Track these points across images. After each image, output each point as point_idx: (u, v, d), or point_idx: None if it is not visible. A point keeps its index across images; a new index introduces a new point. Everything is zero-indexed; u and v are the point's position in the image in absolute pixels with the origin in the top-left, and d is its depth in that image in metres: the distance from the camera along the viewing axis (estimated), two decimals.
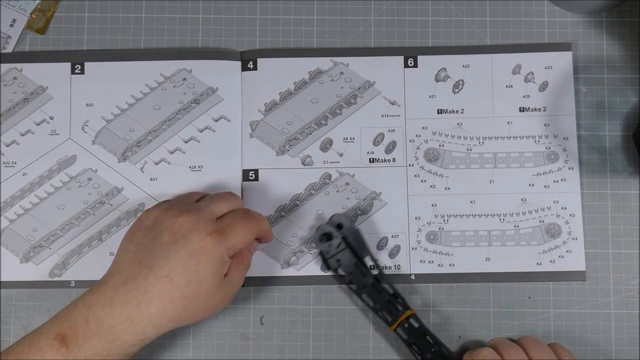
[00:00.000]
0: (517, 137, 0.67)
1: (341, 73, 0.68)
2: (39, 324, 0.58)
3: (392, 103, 0.68)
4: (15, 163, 0.67)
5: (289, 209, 0.66)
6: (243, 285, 0.65)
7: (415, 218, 0.66)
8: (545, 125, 0.67)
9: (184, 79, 0.68)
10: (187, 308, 0.53)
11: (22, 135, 0.67)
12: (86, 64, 0.68)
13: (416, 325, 0.62)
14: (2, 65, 0.68)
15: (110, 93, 0.68)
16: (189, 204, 0.58)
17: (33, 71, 0.68)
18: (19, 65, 0.68)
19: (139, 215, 0.58)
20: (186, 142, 0.67)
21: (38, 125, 0.67)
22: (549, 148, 0.67)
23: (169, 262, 0.52)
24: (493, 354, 0.59)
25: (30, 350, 0.51)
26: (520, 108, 0.67)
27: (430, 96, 0.68)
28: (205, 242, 0.53)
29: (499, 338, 0.63)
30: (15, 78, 0.68)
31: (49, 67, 0.68)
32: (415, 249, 0.66)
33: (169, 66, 0.68)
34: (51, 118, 0.67)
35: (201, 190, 0.65)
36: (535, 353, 0.59)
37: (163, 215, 0.55)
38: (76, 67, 0.68)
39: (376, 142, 0.67)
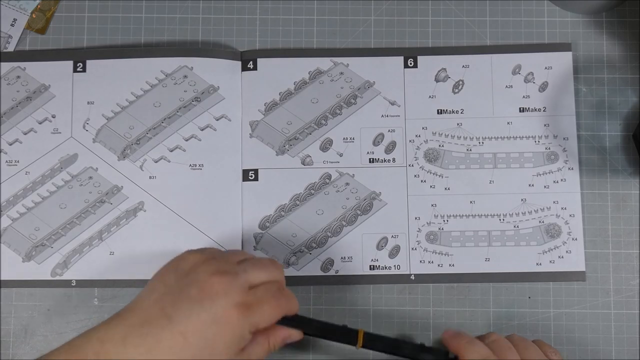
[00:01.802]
0: (517, 137, 0.67)
1: (341, 73, 0.68)
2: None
3: (392, 103, 0.68)
4: (18, 162, 0.67)
5: (288, 208, 0.66)
6: None
7: (415, 218, 0.66)
8: (545, 125, 0.67)
9: (185, 76, 0.68)
10: None
11: (25, 133, 0.67)
12: (88, 62, 0.68)
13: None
14: (6, 64, 0.68)
15: (111, 91, 0.68)
16: (230, 263, 0.54)
17: (36, 70, 0.68)
18: (22, 64, 0.68)
19: (181, 253, 0.55)
20: (187, 140, 0.67)
21: (40, 123, 0.68)
22: (549, 148, 0.67)
23: (189, 321, 0.50)
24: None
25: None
26: (520, 108, 0.67)
27: (430, 96, 0.68)
28: (230, 314, 0.50)
29: (494, 336, 0.60)
30: (18, 77, 0.68)
31: (51, 65, 0.68)
32: (415, 249, 0.66)
33: (170, 63, 0.68)
34: (53, 116, 0.68)
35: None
36: (527, 354, 0.58)
37: (201, 267, 0.52)
38: (78, 65, 0.68)
39: (376, 142, 0.67)
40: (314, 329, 0.57)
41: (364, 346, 0.57)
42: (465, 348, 0.56)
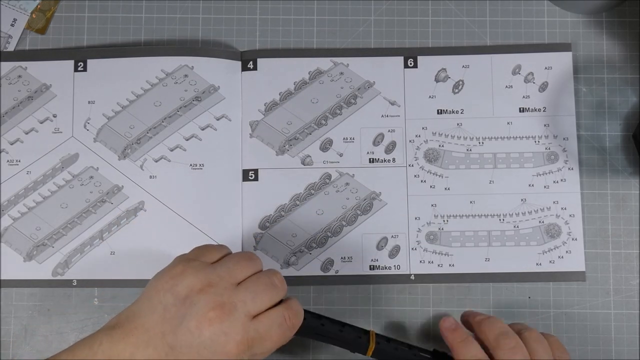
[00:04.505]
0: (517, 137, 0.67)
1: (341, 73, 0.68)
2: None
3: (392, 103, 0.68)
4: (19, 161, 0.67)
5: (288, 208, 0.66)
6: None
7: (415, 218, 0.66)
8: (545, 125, 0.67)
9: (186, 76, 0.68)
10: None
11: (26, 133, 0.68)
12: (89, 61, 0.68)
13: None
14: (8, 63, 0.68)
15: (112, 90, 0.68)
16: (228, 289, 0.52)
17: (37, 69, 0.68)
18: (23, 64, 0.69)
19: (173, 263, 0.54)
20: (187, 140, 0.67)
21: (42, 123, 0.68)
22: (549, 148, 0.67)
23: (189, 354, 0.50)
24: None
25: None
26: (520, 108, 0.67)
27: (430, 96, 0.68)
28: (229, 351, 0.50)
29: (501, 326, 0.58)
30: (20, 76, 0.68)
31: (52, 65, 0.68)
32: (415, 249, 0.66)
33: (171, 62, 0.68)
34: (54, 116, 0.68)
35: (203, 191, 0.64)
36: (536, 352, 0.56)
37: (198, 296, 0.51)
38: (79, 64, 0.68)
39: (376, 142, 0.67)
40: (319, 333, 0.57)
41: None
42: (459, 347, 0.56)
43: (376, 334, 0.57)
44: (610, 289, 0.65)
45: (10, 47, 0.69)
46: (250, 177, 0.67)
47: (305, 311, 0.56)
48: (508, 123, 0.67)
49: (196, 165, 0.67)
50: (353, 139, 0.67)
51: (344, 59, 0.68)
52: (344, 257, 0.66)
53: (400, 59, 0.68)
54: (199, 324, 0.50)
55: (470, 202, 0.66)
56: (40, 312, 0.66)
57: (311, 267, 0.66)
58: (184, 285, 0.51)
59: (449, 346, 0.57)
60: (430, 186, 0.67)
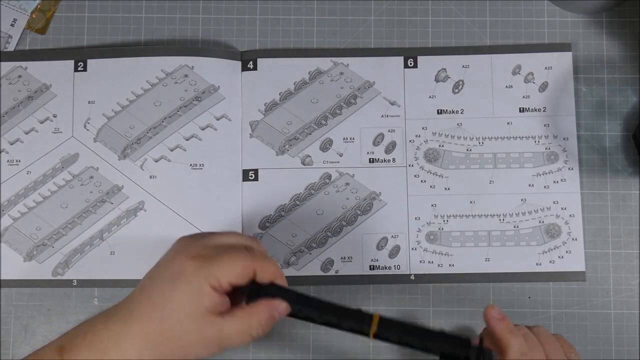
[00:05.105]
0: (517, 137, 0.67)
1: (341, 73, 0.68)
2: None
3: (392, 103, 0.68)
4: (19, 161, 0.67)
5: (288, 208, 0.66)
6: None
7: (415, 218, 0.66)
8: (545, 125, 0.67)
9: (186, 76, 0.68)
10: (163, 337, 0.49)
11: (26, 133, 0.68)
12: (89, 61, 0.68)
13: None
14: (8, 63, 0.68)
15: (112, 90, 0.68)
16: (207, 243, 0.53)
17: (37, 69, 0.68)
18: (23, 64, 0.69)
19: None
20: (187, 140, 0.67)
21: (42, 123, 0.68)
22: (549, 148, 0.67)
23: (153, 284, 0.50)
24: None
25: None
26: (520, 108, 0.67)
27: (430, 96, 0.68)
28: (184, 265, 0.49)
29: (524, 330, 0.56)
30: (20, 76, 0.68)
31: (52, 65, 0.68)
32: (415, 249, 0.66)
33: (171, 62, 0.68)
34: (54, 116, 0.68)
35: (203, 191, 0.65)
36: (551, 352, 0.56)
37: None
38: (79, 64, 0.68)
39: (376, 142, 0.67)
40: (313, 310, 0.51)
41: (377, 335, 0.50)
42: (509, 338, 0.53)
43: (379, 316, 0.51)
44: (610, 289, 0.65)
45: (10, 47, 0.69)
46: (250, 177, 0.67)
47: (301, 297, 0.51)
48: (508, 123, 0.67)
49: (196, 165, 0.67)
50: (353, 139, 0.67)
51: (344, 59, 0.68)
52: (344, 257, 0.66)
53: (400, 59, 0.68)
54: (165, 256, 0.52)
55: (470, 202, 0.66)
56: (40, 312, 0.66)
57: (311, 267, 0.66)
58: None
59: (496, 334, 0.53)
60: (430, 186, 0.67)
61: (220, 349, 0.50)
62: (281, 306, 0.50)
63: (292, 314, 0.51)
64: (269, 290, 0.50)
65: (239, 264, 0.49)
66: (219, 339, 0.49)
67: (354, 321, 0.50)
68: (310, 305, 0.51)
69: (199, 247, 0.51)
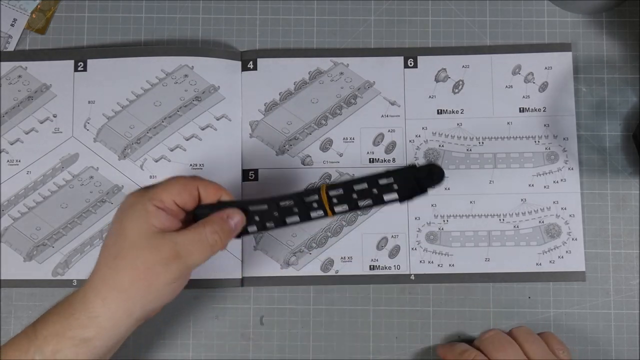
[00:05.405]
0: (517, 137, 0.67)
1: (341, 73, 0.68)
2: None
3: (392, 103, 0.68)
4: (19, 161, 0.67)
5: None
6: (242, 285, 0.65)
7: (415, 218, 0.66)
8: (545, 125, 0.67)
9: (186, 76, 0.68)
10: (121, 272, 0.49)
11: (26, 133, 0.68)
12: (89, 61, 0.68)
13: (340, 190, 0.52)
14: (8, 63, 0.68)
15: (112, 90, 0.68)
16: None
17: (37, 69, 0.68)
18: (23, 64, 0.69)
19: None
20: (187, 140, 0.67)
21: (42, 123, 0.68)
22: (549, 148, 0.67)
23: (107, 234, 0.51)
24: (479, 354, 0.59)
25: (9, 341, 0.51)
26: (520, 108, 0.67)
27: (430, 96, 0.68)
28: (128, 199, 0.51)
29: (492, 332, 0.63)
30: (20, 76, 0.68)
31: (52, 64, 0.68)
32: (415, 249, 0.66)
33: (171, 62, 0.68)
34: (54, 116, 0.68)
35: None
36: (530, 349, 0.59)
37: None
38: (79, 64, 0.68)
39: (376, 142, 0.67)
40: (265, 205, 0.52)
41: (332, 208, 0.52)
42: (462, 356, 0.59)
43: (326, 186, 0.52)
44: (610, 289, 0.65)
45: (10, 47, 0.69)
46: (250, 177, 0.67)
47: (248, 200, 0.53)
48: (508, 123, 0.67)
49: (196, 165, 0.67)
50: (353, 139, 0.67)
51: (344, 59, 0.68)
52: (344, 257, 0.66)
53: (400, 59, 0.68)
54: None
55: (470, 202, 0.66)
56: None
57: (311, 267, 0.66)
58: None
59: None
60: None
61: (184, 267, 0.50)
62: (231, 212, 0.52)
63: (247, 230, 0.53)
64: (217, 207, 0.52)
65: (179, 182, 0.52)
66: (175, 251, 0.49)
67: (307, 197, 0.52)
68: (261, 203, 0.53)
69: (140, 189, 0.52)
